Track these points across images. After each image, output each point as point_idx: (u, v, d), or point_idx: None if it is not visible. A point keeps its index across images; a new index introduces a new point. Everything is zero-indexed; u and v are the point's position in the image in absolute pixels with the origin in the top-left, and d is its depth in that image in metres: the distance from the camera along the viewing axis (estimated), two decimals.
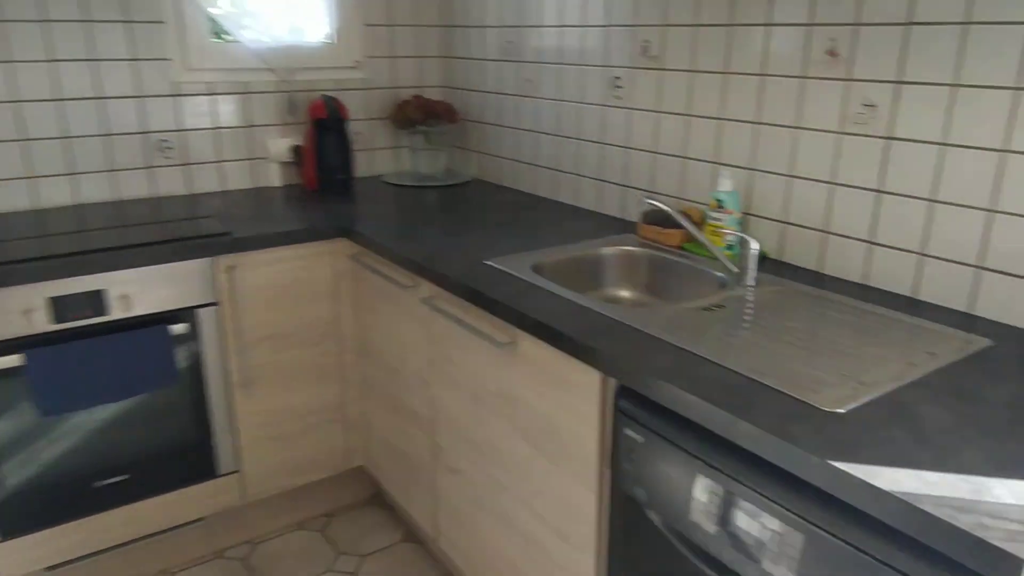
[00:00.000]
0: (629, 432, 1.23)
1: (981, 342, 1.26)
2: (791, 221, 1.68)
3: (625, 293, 1.82)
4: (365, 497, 2.42)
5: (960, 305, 1.41)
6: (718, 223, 1.72)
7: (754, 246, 1.53)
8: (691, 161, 1.88)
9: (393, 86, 2.71)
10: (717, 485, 1.09)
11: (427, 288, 1.77)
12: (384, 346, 2.03)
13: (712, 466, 1.10)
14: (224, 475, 2.07)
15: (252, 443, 2.09)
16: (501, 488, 1.63)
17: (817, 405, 1.06)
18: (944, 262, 1.42)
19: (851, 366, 1.18)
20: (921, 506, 0.83)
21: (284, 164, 2.54)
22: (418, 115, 2.59)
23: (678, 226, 1.81)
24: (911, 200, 1.45)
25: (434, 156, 2.67)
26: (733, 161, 1.77)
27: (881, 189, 1.50)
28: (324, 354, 2.15)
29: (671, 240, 1.81)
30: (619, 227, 2.02)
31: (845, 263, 1.59)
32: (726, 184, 1.71)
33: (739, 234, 1.54)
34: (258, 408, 2.08)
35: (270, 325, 2.04)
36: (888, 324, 1.34)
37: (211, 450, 2.03)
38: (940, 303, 1.44)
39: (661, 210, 1.83)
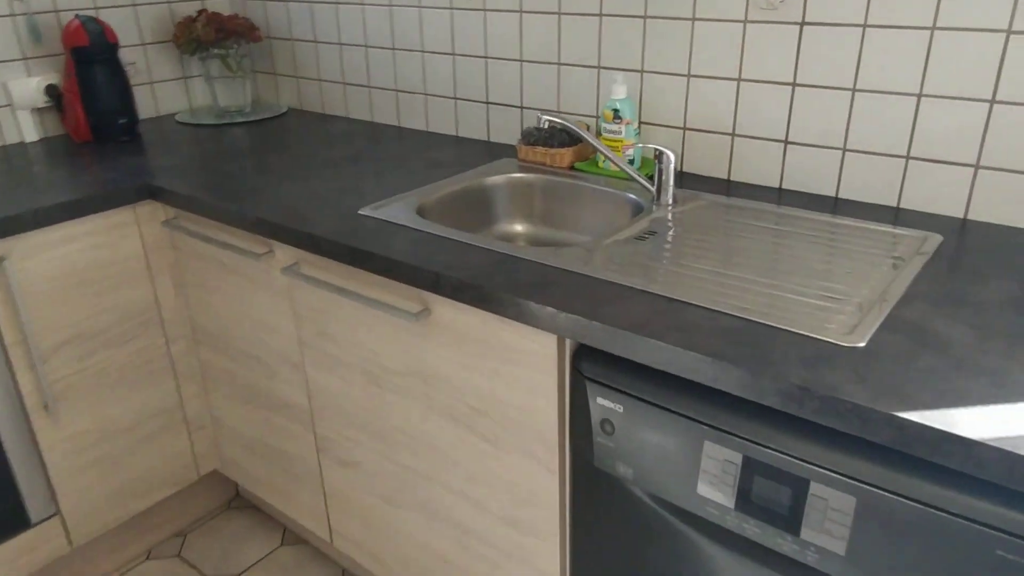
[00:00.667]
0: (603, 401, 1.03)
1: (935, 239, 1.19)
2: (694, 127, 1.51)
3: (519, 227, 1.58)
4: (220, 503, 2.04)
5: (890, 200, 1.34)
6: (616, 136, 1.51)
7: (671, 158, 1.36)
8: (567, 67, 1.64)
9: (167, 0, 2.17)
10: (732, 452, 0.92)
11: (286, 253, 1.41)
12: (230, 329, 1.64)
13: (722, 430, 0.93)
14: (39, 523, 1.61)
15: (67, 476, 1.64)
16: (420, 477, 1.38)
17: (834, 341, 0.91)
18: (870, 155, 1.33)
19: (833, 286, 1.05)
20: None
21: (39, 111, 1.96)
22: (209, 34, 2.09)
23: (567, 144, 1.59)
24: (831, 91, 1.33)
25: (236, 85, 2.20)
26: (619, 64, 1.56)
27: (796, 82, 1.36)
28: (146, 349, 1.71)
29: (562, 161, 1.58)
30: (490, 152, 1.75)
31: (760, 168, 1.46)
32: (620, 91, 1.50)
33: (653, 146, 1.35)
34: (68, 432, 1.62)
35: (68, 326, 1.57)
36: (838, 231, 1.23)
37: (17, 496, 1.56)
38: (868, 200, 1.36)
39: (545, 128, 1.60)
